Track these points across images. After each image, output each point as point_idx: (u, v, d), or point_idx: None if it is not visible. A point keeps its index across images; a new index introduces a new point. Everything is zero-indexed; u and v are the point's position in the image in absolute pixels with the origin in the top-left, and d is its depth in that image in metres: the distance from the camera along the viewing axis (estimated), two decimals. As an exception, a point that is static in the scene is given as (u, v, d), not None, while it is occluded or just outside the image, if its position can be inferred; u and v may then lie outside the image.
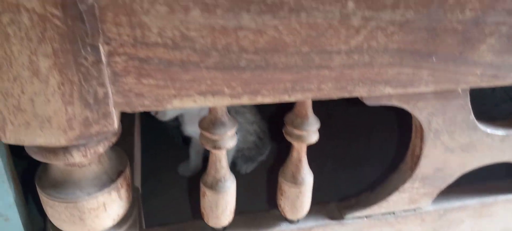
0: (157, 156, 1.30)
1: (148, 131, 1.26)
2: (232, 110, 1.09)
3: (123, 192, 0.68)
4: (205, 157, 1.24)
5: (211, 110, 0.66)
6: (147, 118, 1.08)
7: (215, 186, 0.72)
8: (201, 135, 0.68)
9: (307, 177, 0.76)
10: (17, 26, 0.44)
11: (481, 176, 0.89)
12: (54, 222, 0.68)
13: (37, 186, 0.65)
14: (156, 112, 1.03)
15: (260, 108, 1.25)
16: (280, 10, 0.50)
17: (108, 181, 0.66)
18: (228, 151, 0.71)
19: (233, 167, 1.26)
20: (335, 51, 0.55)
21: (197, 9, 0.48)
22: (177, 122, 1.14)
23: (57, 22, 0.44)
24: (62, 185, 0.64)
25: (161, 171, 1.26)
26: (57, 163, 0.61)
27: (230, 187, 0.73)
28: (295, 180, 0.75)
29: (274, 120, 1.34)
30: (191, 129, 1.14)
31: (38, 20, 0.44)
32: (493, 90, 1.46)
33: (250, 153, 1.26)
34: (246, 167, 1.26)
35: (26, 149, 0.60)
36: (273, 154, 1.32)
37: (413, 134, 0.78)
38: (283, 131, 0.72)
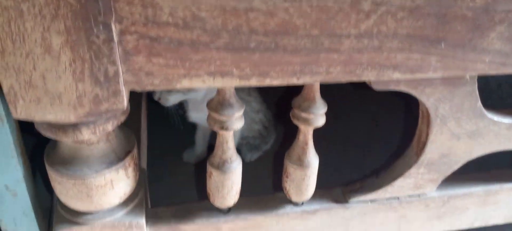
0: (162, 142, 1.30)
1: (154, 116, 1.26)
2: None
3: (130, 171, 0.69)
4: (210, 145, 1.24)
5: (219, 91, 0.66)
6: (153, 103, 1.09)
7: (221, 167, 0.72)
8: (209, 116, 0.68)
9: (313, 160, 0.76)
10: (31, 3, 0.44)
11: (486, 163, 0.89)
12: (62, 198, 0.68)
13: (45, 162, 0.66)
14: (160, 98, 1.03)
15: (266, 98, 1.25)
16: (292, -8, 0.50)
17: (115, 159, 0.66)
18: (234, 134, 0.71)
19: (238, 154, 1.26)
20: (344, 35, 0.55)
21: (209, -10, 0.48)
22: (182, 109, 1.14)
23: (71, 0, 0.45)
24: (70, 162, 0.65)
25: (165, 157, 1.26)
26: (66, 140, 0.62)
27: (236, 168, 0.74)
28: (301, 163, 0.76)
29: (279, 109, 1.34)
30: (196, 115, 1.14)
31: (51, -3, 0.44)
32: (499, 85, 1.45)
33: (255, 142, 1.27)
34: (251, 155, 1.27)
35: (35, 125, 0.60)
36: (277, 144, 1.33)
37: (420, 120, 0.78)
38: (290, 114, 0.72)
